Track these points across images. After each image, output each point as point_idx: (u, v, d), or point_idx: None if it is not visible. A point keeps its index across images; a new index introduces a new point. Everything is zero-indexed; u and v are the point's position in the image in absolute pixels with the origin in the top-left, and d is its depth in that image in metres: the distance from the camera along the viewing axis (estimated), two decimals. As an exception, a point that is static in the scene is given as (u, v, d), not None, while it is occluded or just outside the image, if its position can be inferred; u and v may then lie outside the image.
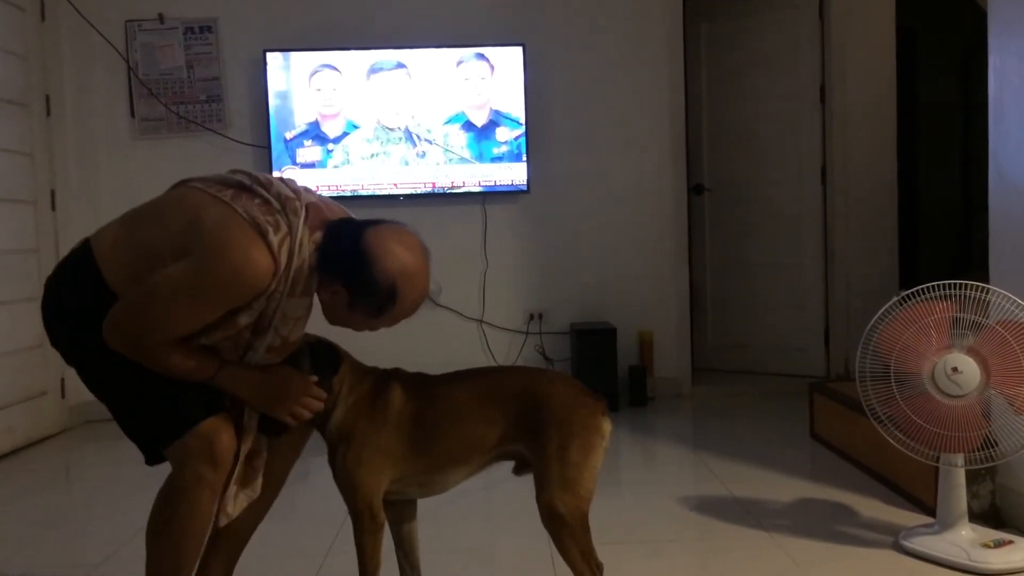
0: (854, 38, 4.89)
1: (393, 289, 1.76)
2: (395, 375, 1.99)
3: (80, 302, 1.81)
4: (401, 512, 2.08)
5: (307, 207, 1.81)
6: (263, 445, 1.94)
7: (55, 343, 1.88)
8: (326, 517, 2.92)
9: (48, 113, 4.42)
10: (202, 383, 1.80)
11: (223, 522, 1.89)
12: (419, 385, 1.98)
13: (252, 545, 2.70)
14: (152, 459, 1.86)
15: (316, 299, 1.86)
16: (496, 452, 1.96)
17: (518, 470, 2.01)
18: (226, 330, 1.77)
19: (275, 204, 1.77)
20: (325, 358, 1.93)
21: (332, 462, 1.97)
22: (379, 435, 1.91)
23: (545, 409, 1.90)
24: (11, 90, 4.12)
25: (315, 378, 1.88)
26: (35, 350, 4.09)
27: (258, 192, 1.79)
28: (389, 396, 1.93)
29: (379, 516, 1.92)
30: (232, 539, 2.01)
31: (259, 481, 1.93)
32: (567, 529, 1.85)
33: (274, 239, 1.71)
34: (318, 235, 1.79)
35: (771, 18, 5.13)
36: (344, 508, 2.92)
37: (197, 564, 1.91)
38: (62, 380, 4.30)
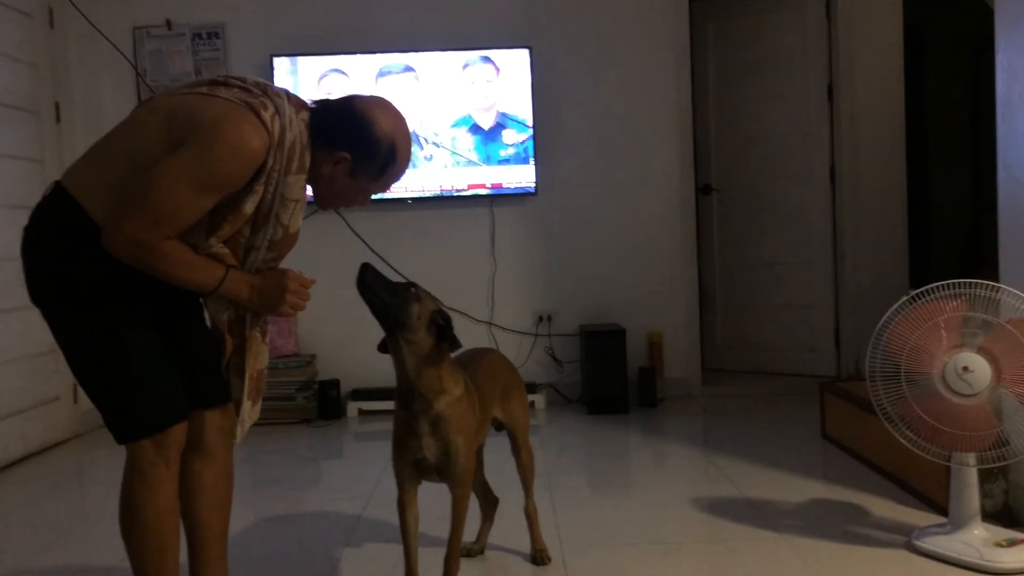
0: (861, 37, 4.88)
1: (393, 146, 1.91)
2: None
3: (63, 241, 1.80)
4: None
5: (285, 91, 1.91)
6: (264, 361, 2.05)
7: (37, 297, 1.85)
8: (337, 520, 2.93)
9: (58, 120, 4.45)
10: (167, 367, 1.87)
11: (239, 437, 2.03)
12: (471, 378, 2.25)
13: (263, 549, 2.71)
14: (121, 441, 1.88)
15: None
16: None
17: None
18: (233, 222, 1.82)
19: (255, 90, 1.84)
20: (451, 333, 2.06)
21: (431, 435, 2.08)
22: (474, 425, 2.17)
23: (509, 378, 2.44)
24: (21, 97, 4.14)
25: (306, 276, 1.96)
26: (47, 356, 4.11)
27: (234, 84, 1.85)
28: (473, 392, 2.19)
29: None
30: (209, 537, 2.04)
31: (260, 400, 2.07)
32: (532, 459, 2.48)
33: (265, 115, 1.78)
34: (304, 113, 1.89)
35: (778, 18, 5.12)
36: (354, 513, 2.93)
37: (176, 550, 1.91)
38: (74, 385, 4.32)
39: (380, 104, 1.94)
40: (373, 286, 1.99)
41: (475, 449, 2.22)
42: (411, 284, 2.06)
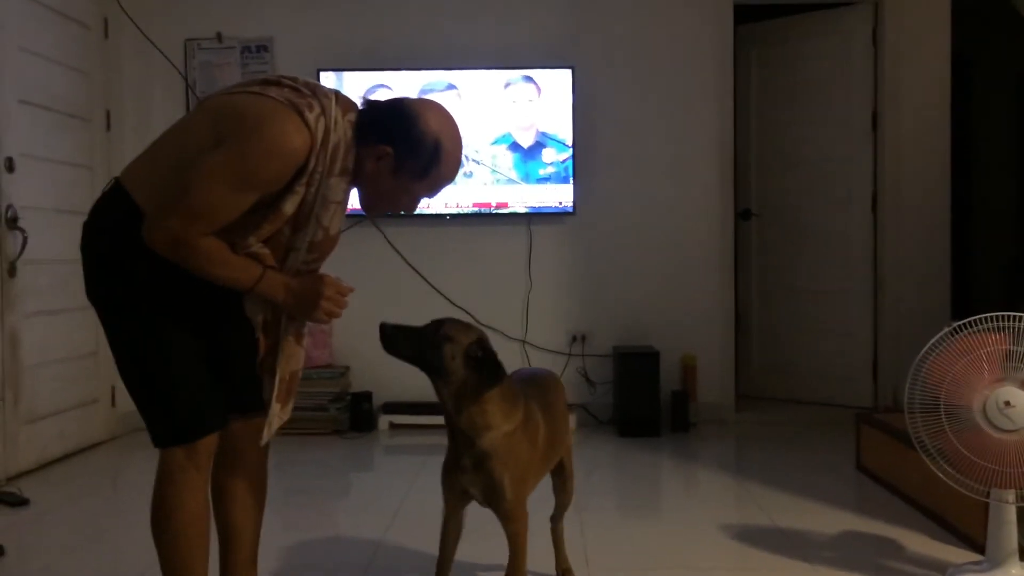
0: (908, 65, 4.83)
1: (438, 144, 1.86)
2: (529, 397, 2.13)
3: (118, 236, 1.82)
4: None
5: (335, 93, 1.90)
6: (298, 364, 2.02)
7: (92, 293, 1.89)
8: (366, 533, 2.94)
9: (108, 127, 4.55)
10: (207, 377, 1.89)
11: (266, 437, 1.97)
12: (541, 405, 2.17)
13: (294, 560, 2.73)
14: (156, 444, 1.90)
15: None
16: None
17: None
18: (273, 222, 1.81)
19: (305, 91, 1.84)
20: (491, 365, 1.96)
21: (474, 471, 2.02)
22: (532, 458, 2.08)
23: (562, 402, 2.38)
24: (74, 104, 4.25)
25: (344, 284, 1.93)
26: (88, 358, 4.19)
27: (286, 84, 1.85)
28: (537, 423, 2.10)
29: (526, 513, 2.09)
30: (240, 541, 2.06)
31: (292, 403, 2.03)
32: (574, 484, 2.46)
33: (310, 116, 1.77)
34: (351, 115, 1.87)
35: (823, 43, 5.09)
36: (382, 526, 2.92)
37: (206, 554, 1.93)
38: (112, 388, 4.39)
39: (429, 103, 1.91)
40: (395, 341, 1.95)
41: (531, 484, 2.10)
42: (439, 323, 1.98)
